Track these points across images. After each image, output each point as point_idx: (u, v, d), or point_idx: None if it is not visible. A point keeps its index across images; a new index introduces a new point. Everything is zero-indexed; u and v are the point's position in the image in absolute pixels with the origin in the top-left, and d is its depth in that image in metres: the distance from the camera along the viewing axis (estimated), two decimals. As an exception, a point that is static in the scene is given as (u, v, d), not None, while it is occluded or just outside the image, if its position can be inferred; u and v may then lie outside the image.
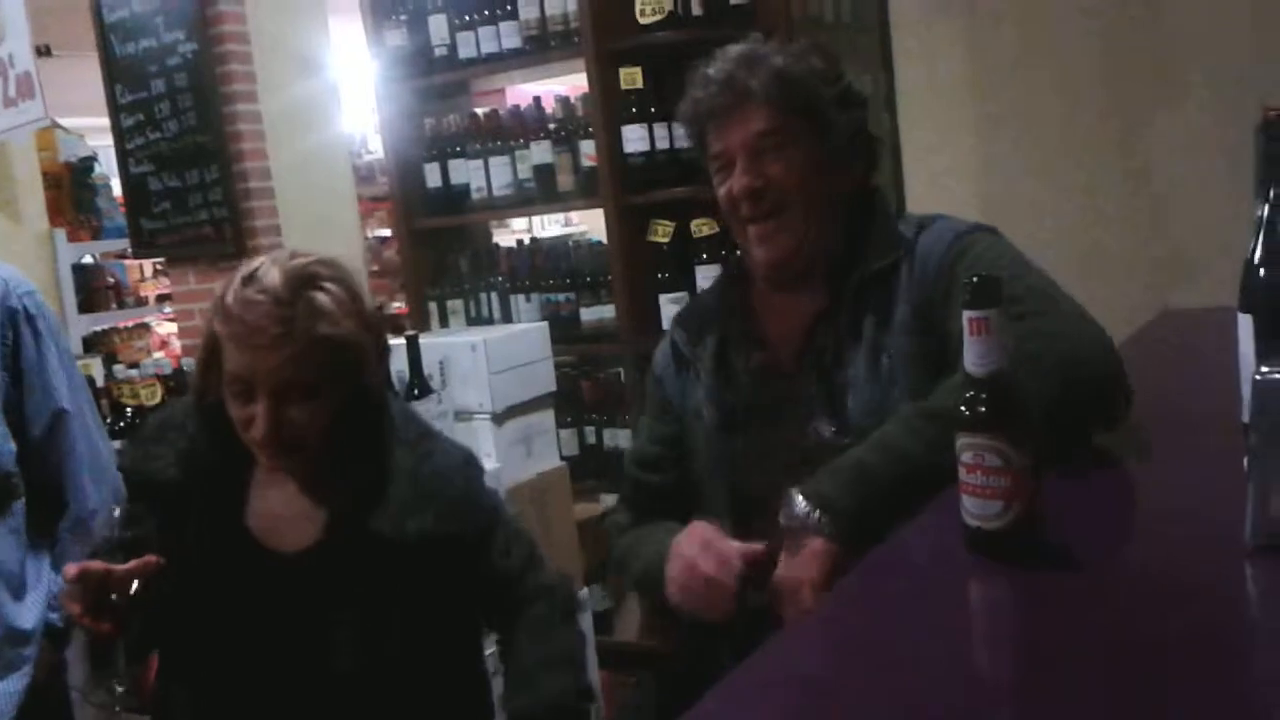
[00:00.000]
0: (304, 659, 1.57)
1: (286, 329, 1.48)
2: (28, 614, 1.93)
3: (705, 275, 3.15)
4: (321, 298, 1.52)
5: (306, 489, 1.64)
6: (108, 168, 5.67)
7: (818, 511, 1.33)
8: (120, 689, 1.51)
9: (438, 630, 1.64)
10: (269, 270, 1.52)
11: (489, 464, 2.77)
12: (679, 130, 3.33)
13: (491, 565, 1.68)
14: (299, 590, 1.59)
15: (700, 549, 1.45)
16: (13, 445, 1.90)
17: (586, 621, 3.04)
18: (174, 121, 4.58)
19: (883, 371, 1.49)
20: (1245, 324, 1.17)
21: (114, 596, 1.44)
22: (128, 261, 6.16)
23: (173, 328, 5.44)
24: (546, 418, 3.02)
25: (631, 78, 3.28)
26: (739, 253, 1.71)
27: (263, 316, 1.48)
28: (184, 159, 4.56)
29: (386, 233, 5.98)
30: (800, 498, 1.35)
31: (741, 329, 1.65)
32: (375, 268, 5.86)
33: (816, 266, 1.58)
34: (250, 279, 1.51)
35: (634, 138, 3.32)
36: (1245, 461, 0.99)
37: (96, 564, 1.45)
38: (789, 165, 1.55)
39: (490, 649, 1.87)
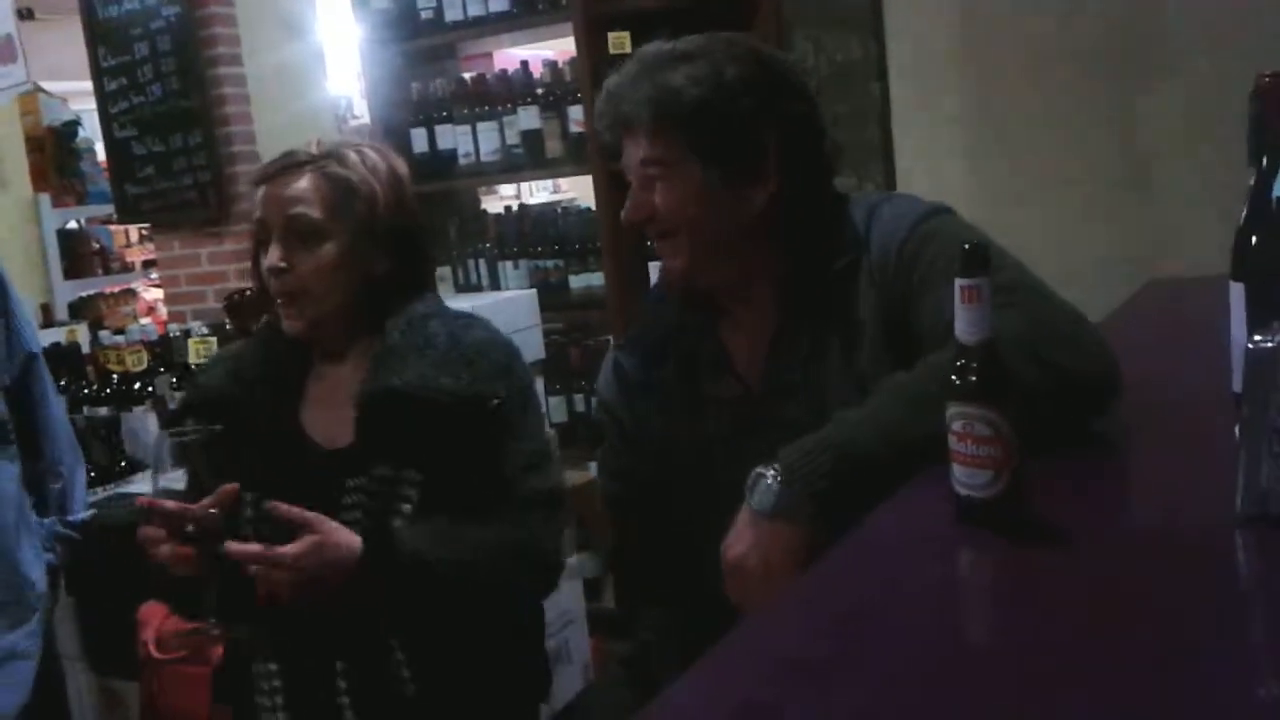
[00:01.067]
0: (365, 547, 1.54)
1: (297, 160, 1.62)
2: (33, 560, 1.99)
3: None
4: (351, 154, 1.66)
5: (341, 375, 1.66)
6: (92, 132, 5.63)
7: (792, 496, 1.24)
8: (214, 631, 1.51)
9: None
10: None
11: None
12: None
13: (505, 448, 1.64)
14: (354, 474, 1.60)
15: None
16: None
17: (576, 589, 3.05)
18: (157, 85, 4.54)
19: (860, 377, 1.40)
20: (1237, 292, 1.17)
21: (190, 528, 1.44)
22: (113, 227, 6.12)
23: (159, 293, 5.40)
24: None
25: (620, 42, 3.25)
26: None
27: (284, 155, 1.64)
28: (168, 123, 4.53)
29: (373, 198, 5.93)
30: (772, 478, 1.26)
31: (707, 351, 1.54)
32: (362, 234, 5.82)
33: (756, 286, 1.49)
34: None
35: (623, 103, 3.29)
36: (1236, 431, 0.99)
37: (170, 502, 1.46)
38: (669, 193, 1.44)
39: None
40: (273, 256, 1.61)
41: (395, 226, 1.66)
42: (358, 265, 1.63)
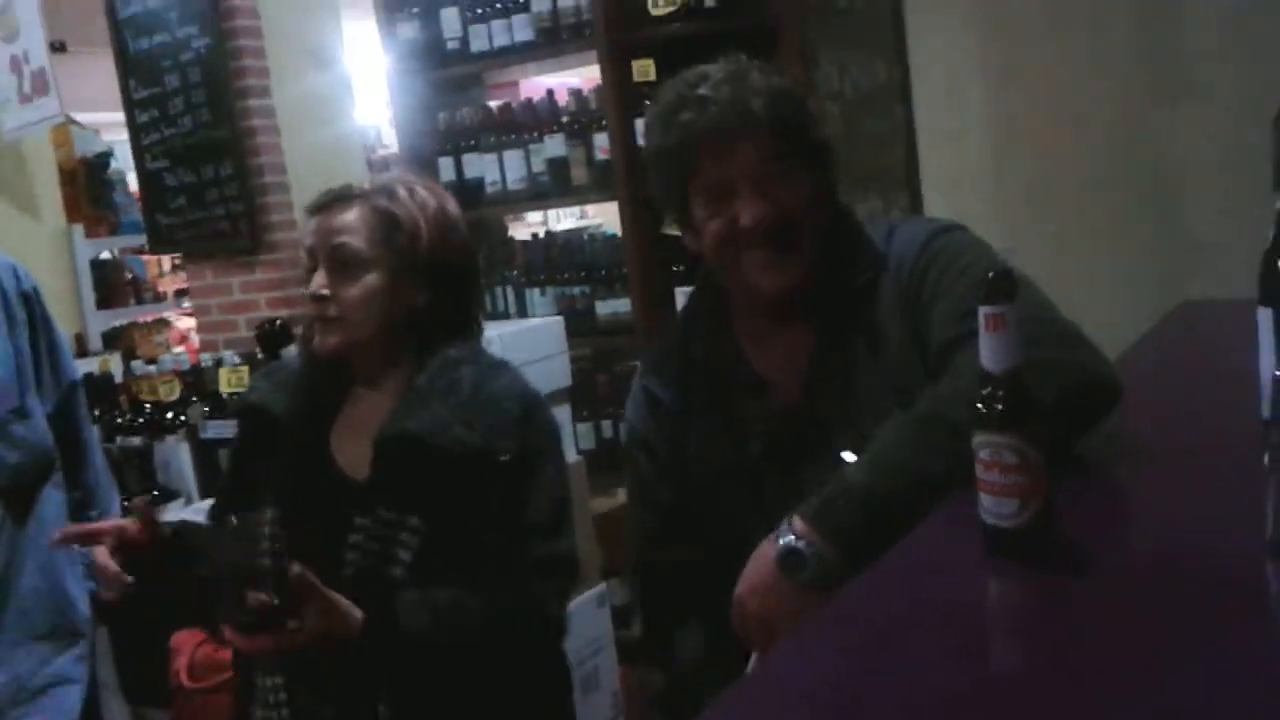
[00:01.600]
0: (370, 575, 1.57)
1: (350, 193, 1.68)
2: (78, 587, 2.05)
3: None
4: (401, 189, 1.70)
5: (373, 406, 1.68)
6: (124, 163, 5.69)
7: (811, 555, 1.23)
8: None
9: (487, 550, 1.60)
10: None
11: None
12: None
13: (515, 506, 1.62)
14: (362, 511, 1.61)
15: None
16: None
17: (604, 616, 3.04)
18: (188, 117, 4.58)
19: (895, 390, 1.39)
20: (1265, 318, 1.16)
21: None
22: (146, 257, 6.18)
23: (191, 322, 5.45)
24: (562, 412, 3.01)
25: (644, 70, 3.27)
26: (705, 288, 1.60)
27: (341, 188, 1.70)
28: (199, 154, 4.56)
29: (401, 226, 5.97)
30: (795, 536, 1.24)
31: (738, 374, 1.53)
32: (391, 261, 5.85)
33: (796, 301, 1.48)
34: None
35: (647, 130, 3.30)
36: (1266, 458, 0.98)
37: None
38: (798, 192, 1.44)
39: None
40: (316, 282, 1.65)
41: (438, 261, 1.68)
42: (399, 297, 1.66)
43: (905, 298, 1.42)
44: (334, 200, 1.68)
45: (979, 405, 1.07)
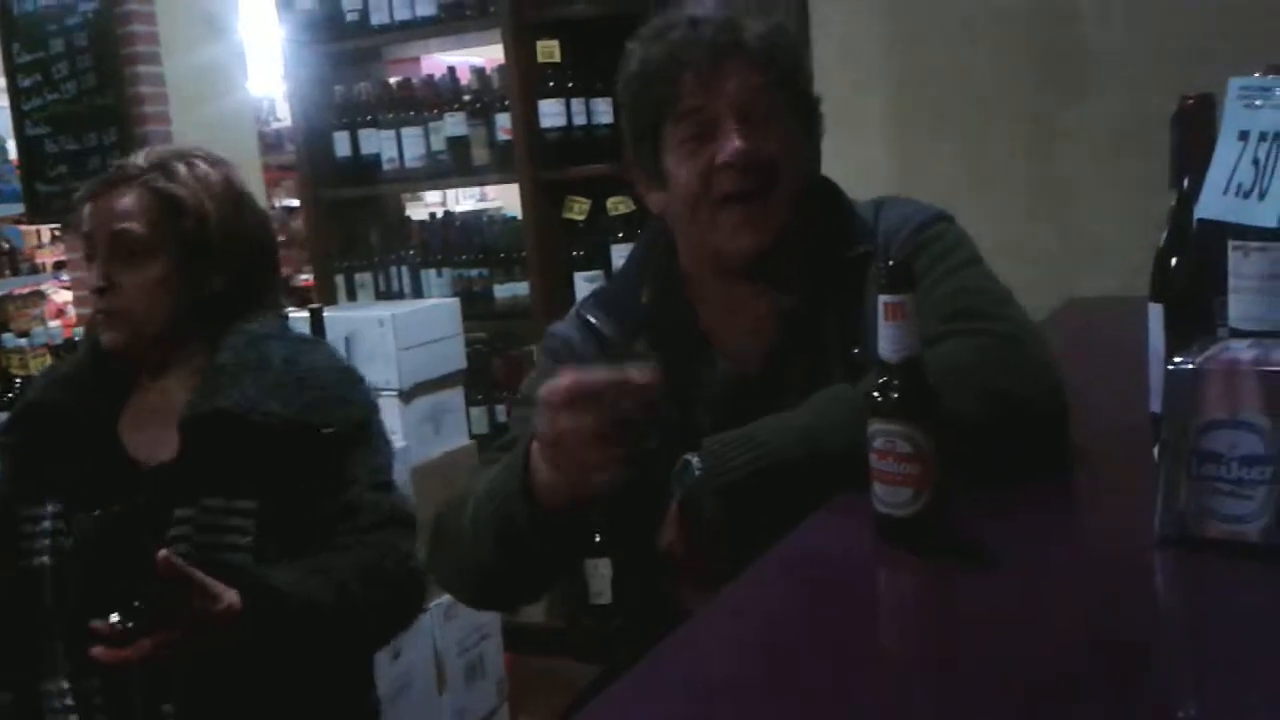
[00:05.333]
0: (204, 566, 1.43)
1: (125, 174, 1.58)
2: None
3: (621, 254, 3.11)
4: (180, 166, 1.60)
5: (166, 391, 1.61)
6: (3, 129, 5.46)
7: (711, 485, 1.18)
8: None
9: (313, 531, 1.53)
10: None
11: (396, 441, 2.70)
12: (597, 106, 3.29)
13: (344, 476, 1.57)
14: (166, 498, 1.51)
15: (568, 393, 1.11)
16: None
17: (493, 603, 3.00)
18: (73, 82, 4.44)
19: (861, 368, 1.31)
20: (1156, 313, 1.17)
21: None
22: (23, 227, 5.95)
23: (69, 295, 5.25)
24: (456, 395, 2.96)
25: (549, 51, 3.22)
26: (653, 245, 1.48)
27: (114, 168, 1.60)
28: (82, 121, 4.43)
29: (294, 203, 5.84)
30: (696, 466, 1.20)
31: (691, 334, 1.41)
32: (283, 238, 5.70)
33: (782, 260, 1.38)
34: None
35: (551, 112, 3.27)
36: (1155, 452, 0.99)
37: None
38: (784, 137, 1.35)
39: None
40: (94, 274, 1.56)
41: (230, 242, 1.60)
42: (187, 284, 1.58)
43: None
44: (110, 183, 1.58)
45: (875, 394, 1.06)
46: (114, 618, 1.32)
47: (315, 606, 1.45)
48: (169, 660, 1.36)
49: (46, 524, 1.53)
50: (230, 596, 1.38)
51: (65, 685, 1.52)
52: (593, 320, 1.44)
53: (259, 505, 1.50)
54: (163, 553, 1.32)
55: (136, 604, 1.33)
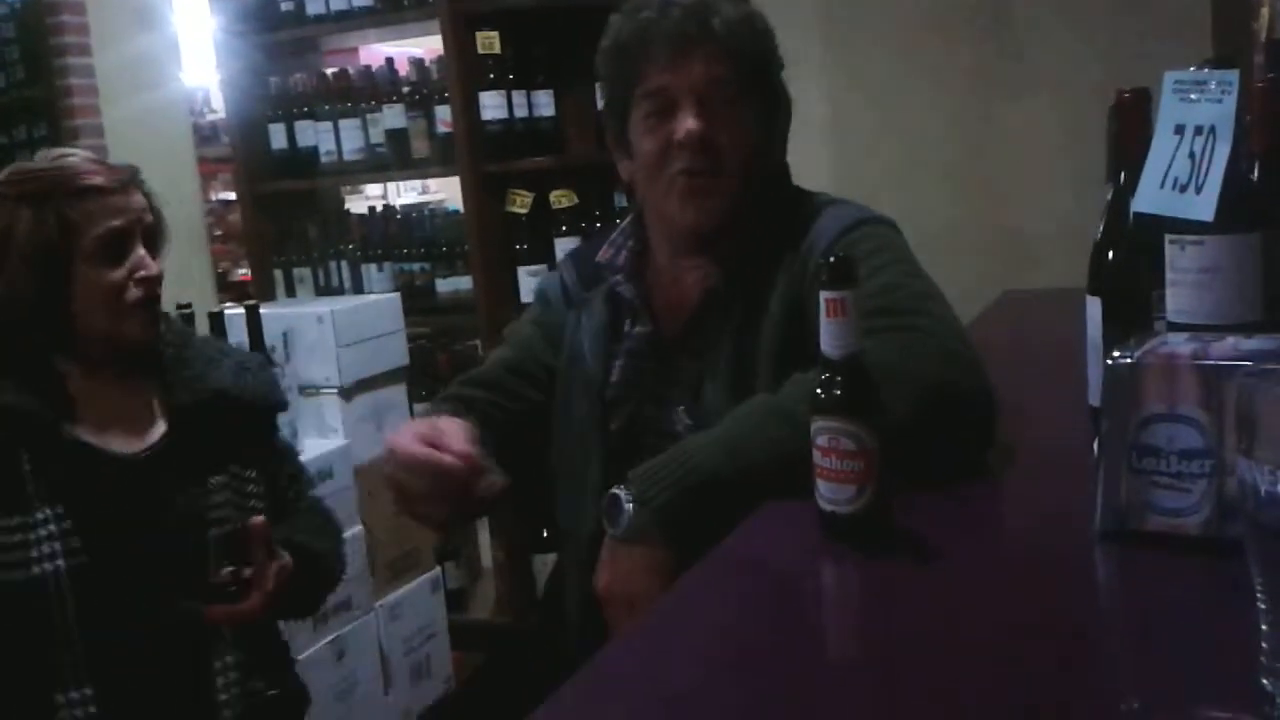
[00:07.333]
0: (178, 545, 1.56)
1: (122, 179, 1.60)
2: None
3: (564, 247, 3.09)
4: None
5: (131, 386, 1.65)
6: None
7: (645, 516, 1.19)
8: None
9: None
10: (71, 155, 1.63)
11: (336, 440, 2.67)
12: (538, 99, 3.26)
13: (289, 454, 1.82)
14: (154, 484, 1.60)
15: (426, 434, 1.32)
16: None
17: (439, 601, 2.98)
18: (1, 74, 4.32)
19: (748, 360, 1.37)
20: (1094, 307, 1.18)
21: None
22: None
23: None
24: (398, 392, 2.92)
25: (489, 42, 3.19)
26: (636, 224, 1.55)
27: (92, 167, 1.59)
28: (11, 114, 4.34)
29: (231, 196, 5.75)
30: (625, 499, 1.21)
31: (632, 292, 1.50)
32: (219, 232, 5.62)
33: (723, 240, 1.45)
34: (52, 157, 1.62)
35: (492, 104, 3.23)
36: (1094, 446, 0.99)
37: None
38: (739, 122, 1.41)
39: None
40: (153, 262, 1.63)
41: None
42: None
43: (805, 277, 1.37)
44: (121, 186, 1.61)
45: (818, 391, 1.05)
46: (227, 569, 1.48)
47: (323, 558, 1.69)
48: (268, 614, 1.55)
49: (43, 531, 1.49)
50: (286, 556, 1.55)
51: (89, 692, 1.50)
52: (562, 271, 1.61)
53: (257, 473, 1.68)
54: (259, 518, 1.51)
55: (231, 568, 1.49)
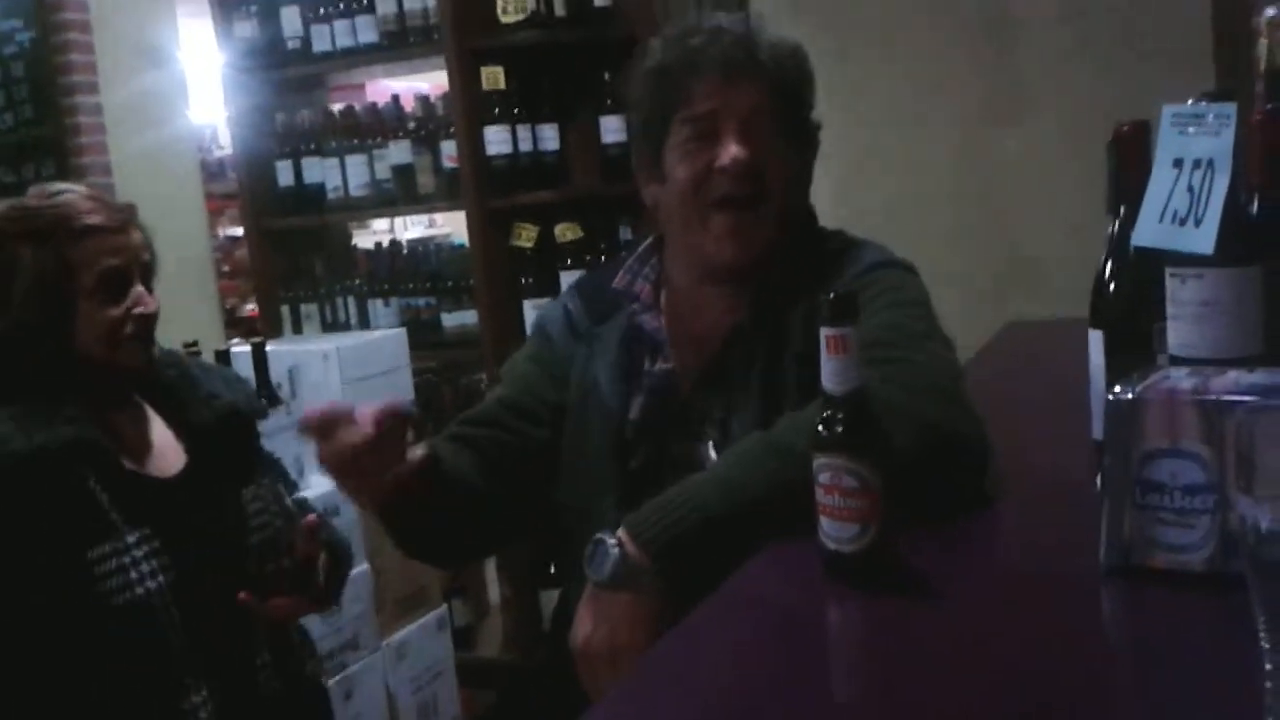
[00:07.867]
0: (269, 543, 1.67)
1: (116, 215, 1.62)
2: None
3: (569, 280, 3.09)
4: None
5: (133, 414, 1.69)
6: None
7: (639, 558, 1.15)
8: None
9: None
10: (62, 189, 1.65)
11: (342, 476, 2.66)
12: (543, 133, 3.27)
13: (265, 452, 1.88)
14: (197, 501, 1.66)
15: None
16: None
17: (445, 639, 2.96)
18: (9, 113, 4.38)
19: (774, 396, 1.35)
20: (1096, 340, 1.18)
21: None
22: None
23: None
24: (404, 426, 2.91)
25: (494, 78, 3.20)
26: (655, 249, 1.54)
27: (91, 205, 1.60)
28: (20, 152, 4.37)
29: (239, 232, 5.77)
30: (611, 544, 1.17)
31: (653, 325, 1.48)
32: (227, 268, 5.64)
33: (752, 275, 1.44)
34: (50, 194, 1.62)
35: (496, 139, 3.24)
36: (1098, 481, 0.98)
37: None
38: (781, 155, 1.42)
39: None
40: (150, 298, 1.66)
41: None
42: None
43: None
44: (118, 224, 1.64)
45: (820, 428, 1.05)
46: (286, 562, 1.58)
47: (341, 545, 1.76)
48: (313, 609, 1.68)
49: (137, 553, 1.53)
50: (323, 556, 1.64)
51: (205, 694, 1.57)
52: (567, 302, 1.57)
53: (270, 480, 1.77)
54: (311, 517, 1.60)
55: (285, 564, 1.58)
